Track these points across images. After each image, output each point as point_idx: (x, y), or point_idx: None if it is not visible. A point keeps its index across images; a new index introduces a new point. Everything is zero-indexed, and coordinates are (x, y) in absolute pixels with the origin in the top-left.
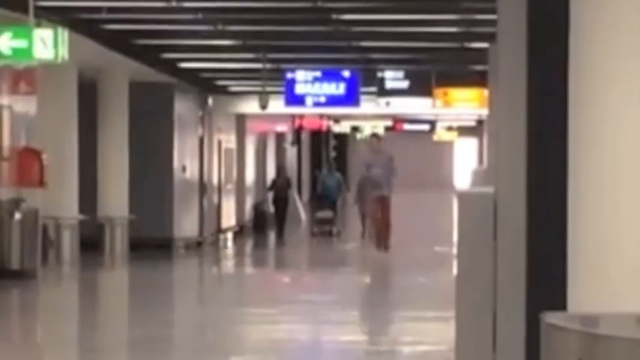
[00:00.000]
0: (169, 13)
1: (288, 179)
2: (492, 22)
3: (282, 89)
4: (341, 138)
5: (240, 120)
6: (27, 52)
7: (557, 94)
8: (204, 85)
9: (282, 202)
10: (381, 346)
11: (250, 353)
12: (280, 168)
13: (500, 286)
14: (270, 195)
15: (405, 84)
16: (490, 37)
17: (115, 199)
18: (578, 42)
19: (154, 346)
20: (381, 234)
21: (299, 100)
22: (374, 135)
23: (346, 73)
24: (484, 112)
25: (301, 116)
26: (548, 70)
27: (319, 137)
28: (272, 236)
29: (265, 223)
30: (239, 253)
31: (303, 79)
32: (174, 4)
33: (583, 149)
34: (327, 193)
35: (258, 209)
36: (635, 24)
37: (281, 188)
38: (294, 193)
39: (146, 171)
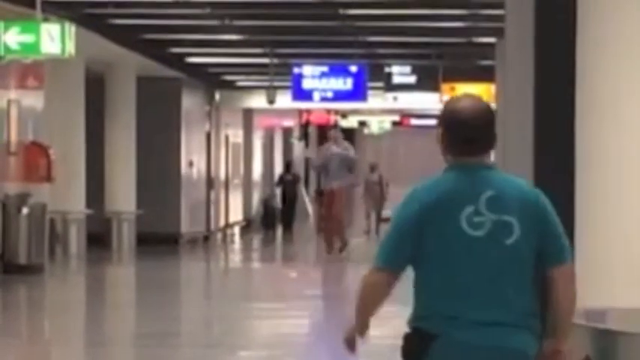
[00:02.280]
0: (177, 7)
1: (297, 175)
2: (500, 17)
3: (289, 84)
4: (348, 133)
5: (248, 115)
6: (34, 46)
7: (564, 89)
8: (212, 80)
9: (290, 197)
10: (389, 340)
11: (258, 348)
12: (288, 164)
13: None
14: (279, 190)
15: (412, 79)
16: (497, 32)
17: (123, 193)
18: (585, 37)
19: (161, 340)
20: (329, 233)
21: (306, 95)
22: (335, 126)
23: (353, 68)
24: (491, 106)
25: (308, 111)
26: (555, 65)
27: (326, 132)
28: (280, 231)
29: (274, 218)
30: (246, 247)
31: (311, 74)
32: None
33: (590, 145)
34: None
35: (267, 205)
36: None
37: (289, 184)
38: (302, 188)
39: (153, 166)
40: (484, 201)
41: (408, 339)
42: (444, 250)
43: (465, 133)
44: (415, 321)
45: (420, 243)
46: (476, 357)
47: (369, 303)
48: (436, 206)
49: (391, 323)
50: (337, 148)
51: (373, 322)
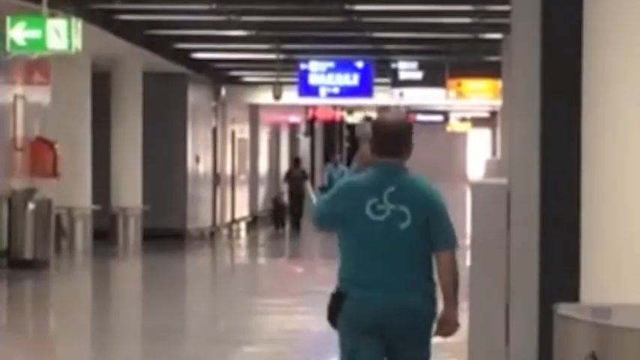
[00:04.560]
0: (183, 3)
1: (304, 172)
2: (506, 13)
3: (295, 80)
4: (354, 129)
5: (254, 110)
6: (40, 42)
7: (571, 85)
8: (218, 76)
9: (297, 194)
10: None
11: (264, 344)
12: (297, 160)
13: (514, 277)
14: (286, 186)
15: (418, 75)
16: (504, 28)
17: (129, 189)
18: (592, 34)
19: (166, 335)
20: None
21: (312, 91)
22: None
23: (360, 64)
24: (497, 103)
25: (315, 107)
26: (562, 62)
27: (332, 128)
28: (288, 228)
29: (284, 215)
30: (252, 243)
31: (317, 70)
32: None
33: (596, 141)
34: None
35: (277, 202)
36: None
37: (297, 180)
38: (308, 185)
39: (159, 161)
40: (386, 194)
41: (331, 297)
42: (353, 230)
43: (384, 141)
44: (337, 283)
45: (341, 217)
46: (370, 309)
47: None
48: (351, 194)
49: None
50: None
51: None
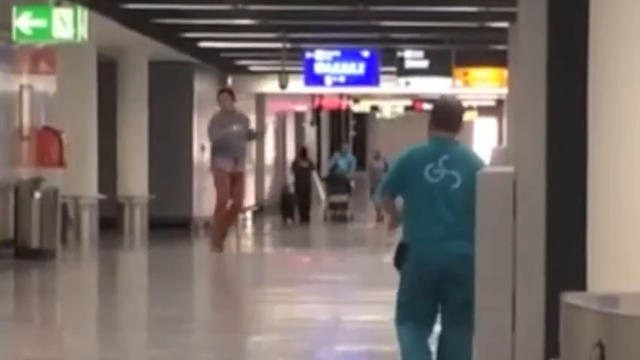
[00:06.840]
0: None
1: (311, 162)
2: (512, 2)
3: (301, 69)
4: (360, 118)
5: (260, 99)
6: (46, 31)
7: (578, 73)
8: (224, 65)
9: (304, 185)
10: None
11: (269, 333)
12: (304, 150)
13: (520, 266)
14: (292, 177)
15: (424, 63)
16: (510, 17)
17: (135, 178)
18: (599, 22)
19: (173, 325)
20: (222, 225)
21: (318, 80)
22: (225, 90)
23: (366, 53)
24: (504, 91)
25: (321, 96)
26: (569, 50)
27: (339, 117)
28: (296, 219)
29: (293, 207)
30: (258, 232)
31: (323, 59)
32: None
33: (603, 129)
34: (340, 175)
35: (285, 193)
36: None
37: (303, 171)
38: (315, 176)
39: (165, 151)
40: (441, 161)
41: (397, 248)
42: (414, 190)
43: (440, 117)
44: (402, 237)
45: (404, 183)
46: (425, 257)
47: (388, 210)
48: (411, 162)
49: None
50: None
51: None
